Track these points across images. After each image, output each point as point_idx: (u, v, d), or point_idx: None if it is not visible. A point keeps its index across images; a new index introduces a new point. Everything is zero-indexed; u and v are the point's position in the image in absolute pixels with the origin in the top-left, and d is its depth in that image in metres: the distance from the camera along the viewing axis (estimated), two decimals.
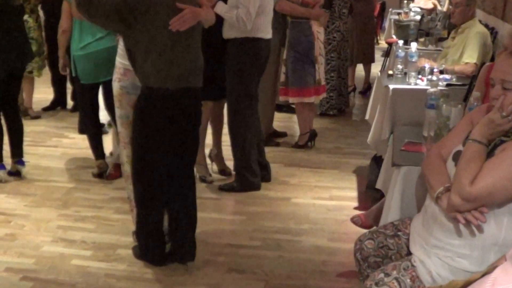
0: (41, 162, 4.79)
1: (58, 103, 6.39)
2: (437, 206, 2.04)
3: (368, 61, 7.26)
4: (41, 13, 5.91)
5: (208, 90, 3.69)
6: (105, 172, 4.45)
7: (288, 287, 3.06)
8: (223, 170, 4.53)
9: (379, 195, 3.44)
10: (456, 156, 2.05)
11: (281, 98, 5.32)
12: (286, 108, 6.18)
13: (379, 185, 3.20)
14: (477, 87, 3.25)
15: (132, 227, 3.51)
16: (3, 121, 4.39)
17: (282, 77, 5.12)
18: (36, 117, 6.01)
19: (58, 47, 4.45)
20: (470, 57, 4.23)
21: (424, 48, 5.37)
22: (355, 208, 3.96)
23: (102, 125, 4.92)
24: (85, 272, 3.14)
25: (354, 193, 4.26)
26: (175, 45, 2.90)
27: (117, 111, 3.30)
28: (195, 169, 3.41)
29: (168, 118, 2.97)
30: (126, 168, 3.35)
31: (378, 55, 8.58)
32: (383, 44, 9.72)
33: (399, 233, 2.28)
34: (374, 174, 3.82)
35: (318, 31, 5.00)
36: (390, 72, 4.28)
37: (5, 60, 4.14)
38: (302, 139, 5.23)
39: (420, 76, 4.06)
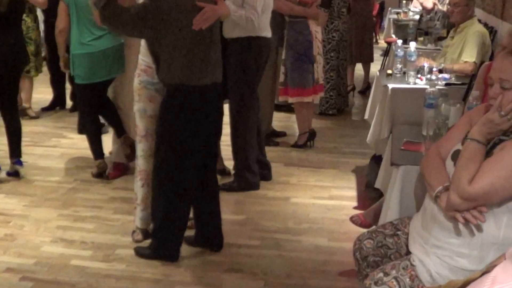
0: (40, 162, 4.79)
1: (57, 103, 6.39)
2: (436, 205, 2.04)
3: (367, 60, 7.26)
4: (39, 13, 5.90)
5: None
6: (104, 172, 4.45)
7: (288, 286, 3.06)
8: (223, 170, 4.53)
9: (379, 195, 3.44)
10: (455, 155, 2.05)
11: (281, 99, 5.32)
12: (285, 108, 6.18)
13: (378, 184, 3.21)
14: (476, 86, 3.25)
15: (132, 227, 3.52)
16: (1, 122, 4.39)
17: (282, 78, 5.12)
18: (35, 117, 6.01)
19: (57, 47, 4.45)
20: (469, 56, 4.23)
21: (423, 47, 5.37)
22: (355, 208, 3.96)
23: (102, 125, 4.91)
24: (85, 272, 3.14)
25: (353, 193, 4.26)
26: (200, 43, 3.02)
27: (136, 105, 3.38)
28: None
29: (197, 113, 3.07)
30: (140, 163, 3.39)
31: (377, 55, 8.59)
32: (382, 43, 9.73)
33: (398, 232, 2.28)
34: (374, 173, 3.81)
35: (316, 30, 5.01)
36: (389, 71, 4.28)
37: (1, 61, 4.14)
38: (301, 138, 5.23)
39: (419, 76, 4.06)
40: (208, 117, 3.13)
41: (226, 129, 4.31)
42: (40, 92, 6.55)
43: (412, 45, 4.17)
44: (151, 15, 2.92)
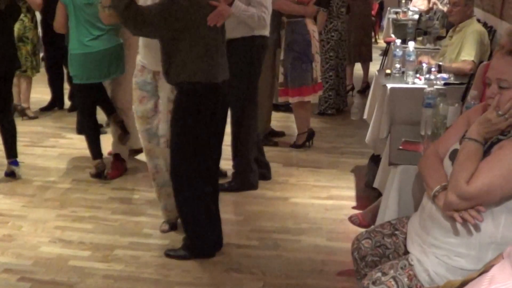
0: (38, 162, 4.79)
1: (55, 104, 6.38)
2: (434, 205, 2.03)
3: (366, 60, 7.26)
4: (37, 12, 5.89)
5: None
6: (102, 172, 4.44)
7: (287, 286, 3.06)
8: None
9: (377, 194, 3.44)
10: (453, 155, 2.05)
11: (281, 100, 5.31)
12: (284, 107, 6.17)
13: (376, 184, 3.20)
14: (475, 86, 3.24)
15: (131, 227, 3.52)
16: None
17: (281, 78, 5.12)
18: (34, 117, 6.00)
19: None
20: (467, 55, 4.23)
21: (422, 47, 5.37)
22: (354, 208, 3.95)
23: (101, 125, 4.91)
24: (83, 273, 3.13)
25: (352, 193, 4.25)
26: (214, 40, 3.08)
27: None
28: None
29: (210, 111, 3.12)
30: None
31: (376, 54, 8.58)
32: (381, 43, 9.72)
33: (396, 232, 2.28)
34: (372, 173, 3.81)
35: (313, 29, 5.02)
36: (388, 71, 4.27)
37: None
38: (300, 138, 5.23)
39: (418, 75, 4.05)
40: (218, 115, 3.19)
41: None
42: (39, 92, 6.54)
43: (411, 44, 4.17)
44: (173, 14, 2.97)
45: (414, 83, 3.99)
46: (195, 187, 3.20)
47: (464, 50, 4.27)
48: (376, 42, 10.31)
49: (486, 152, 1.96)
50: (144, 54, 3.40)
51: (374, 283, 2.03)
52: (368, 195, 4.01)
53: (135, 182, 4.41)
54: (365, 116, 4.56)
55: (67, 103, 6.38)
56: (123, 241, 3.47)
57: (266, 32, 4.18)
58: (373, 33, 9.04)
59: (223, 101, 3.22)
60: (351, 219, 3.34)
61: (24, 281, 3.05)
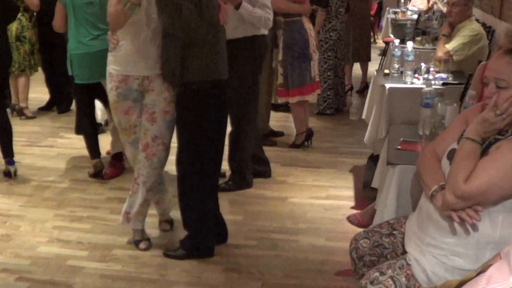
0: (36, 162, 4.78)
1: (54, 103, 6.37)
2: (432, 204, 2.03)
3: (364, 60, 7.26)
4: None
5: None
6: (101, 171, 4.44)
7: (285, 286, 3.06)
8: None
9: (376, 194, 3.43)
10: (451, 155, 2.05)
11: (281, 100, 5.30)
12: (283, 107, 6.17)
13: (375, 184, 3.20)
14: (473, 86, 3.24)
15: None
16: None
17: (280, 79, 5.11)
18: (32, 117, 5.99)
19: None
20: (450, 46, 4.33)
21: (420, 47, 5.37)
22: (352, 208, 3.95)
23: (99, 124, 4.90)
24: (81, 273, 3.13)
25: (351, 192, 4.25)
26: (221, 38, 3.13)
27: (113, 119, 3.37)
28: None
29: (219, 107, 3.17)
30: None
31: (375, 54, 8.58)
32: (380, 43, 9.72)
33: (394, 232, 2.28)
34: (371, 173, 3.81)
35: (310, 27, 5.03)
36: (387, 71, 4.28)
37: None
38: (298, 138, 5.23)
39: (416, 75, 4.06)
40: (222, 112, 3.24)
41: None
42: (37, 92, 6.54)
43: (410, 44, 4.17)
44: (201, 11, 2.98)
45: (412, 83, 3.99)
46: (203, 187, 3.21)
47: (452, 42, 4.32)
48: (375, 42, 10.31)
49: (484, 152, 1.96)
50: (133, 62, 3.14)
51: (372, 282, 2.03)
52: (367, 195, 4.01)
53: None
54: (363, 116, 4.56)
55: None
56: (122, 241, 3.47)
57: (266, 31, 4.19)
58: (372, 33, 9.03)
59: (225, 99, 3.25)
60: (350, 219, 3.35)
61: (22, 281, 3.05)
